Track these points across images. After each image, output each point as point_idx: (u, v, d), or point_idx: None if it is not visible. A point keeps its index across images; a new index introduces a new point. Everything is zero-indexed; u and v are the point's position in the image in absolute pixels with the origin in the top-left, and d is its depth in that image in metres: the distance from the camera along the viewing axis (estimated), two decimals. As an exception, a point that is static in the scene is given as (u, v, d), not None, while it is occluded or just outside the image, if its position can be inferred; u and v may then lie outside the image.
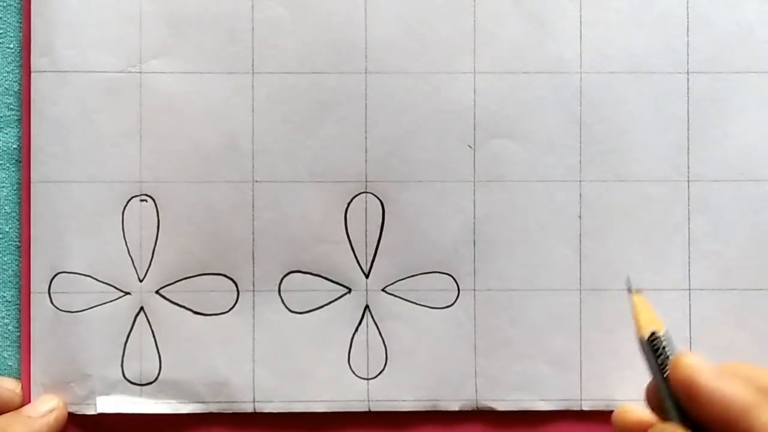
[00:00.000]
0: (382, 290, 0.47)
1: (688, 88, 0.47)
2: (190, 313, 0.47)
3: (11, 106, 0.47)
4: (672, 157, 0.47)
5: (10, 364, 0.47)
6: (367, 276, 0.47)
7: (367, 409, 0.47)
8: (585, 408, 0.47)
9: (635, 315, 0.39)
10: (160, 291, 0.47)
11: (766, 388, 0.36)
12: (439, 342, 0.47)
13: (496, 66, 0.46)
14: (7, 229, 0.47)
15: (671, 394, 0.37)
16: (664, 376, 0.38)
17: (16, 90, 0.47)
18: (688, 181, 0.47)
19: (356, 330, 0.47)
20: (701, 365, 0.37)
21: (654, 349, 0.38)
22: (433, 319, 0.47)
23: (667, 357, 0.38)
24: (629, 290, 0.40)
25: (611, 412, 0.44)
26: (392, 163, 0.46)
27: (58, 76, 0.46)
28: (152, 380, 0.47)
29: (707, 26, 0.47)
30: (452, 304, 0.47)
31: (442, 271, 0.47)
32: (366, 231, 0.47)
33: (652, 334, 0.38)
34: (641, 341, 0.39)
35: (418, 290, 0.47)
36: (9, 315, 0.47)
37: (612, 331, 0.46)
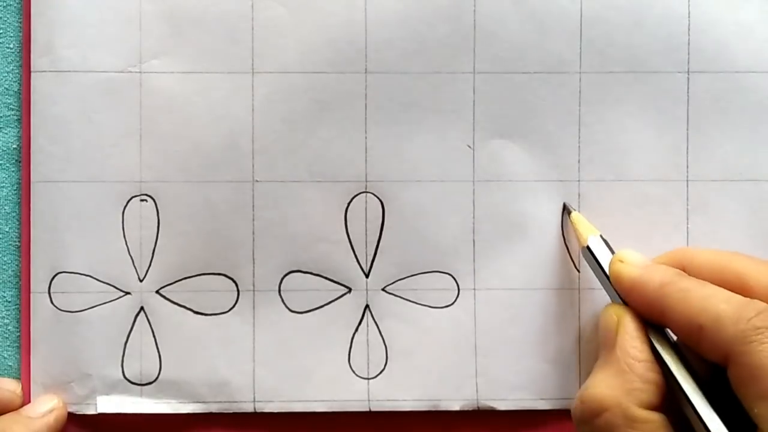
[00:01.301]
0: (382, 290, 0.47)
1: (688, 88, 0.47)
2: (190, 313, 0.47)
3: (11, 106, 0.47)
4: (671, 157, 0.47)
5: (10, 364, 0.47)
6: (367, 276, 0.47)
7: (367, 409, 0.47)
8: (585, 407, 0.47)
9: (575, 228, 0.45)
10: (160, 291, 0.47)
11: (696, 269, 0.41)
12: (439, 342, 0.47)
13: (495, 66, 0.46)
14: (7, 229, 0.47)
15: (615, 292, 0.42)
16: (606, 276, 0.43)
17: (16, 90, 0.47)
18: (687, 180, 0.47)
19: (356, 330, 0.47)
20: (630, 261, 0.42)
21: (593, 253, 0.43)
22: (433, 318, 0.47)
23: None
24: (567, 212, 0.46)
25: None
26: (392, 163, 0.46)
27: (58, 76, 0.46)
28: (152, 380, 0.47)
29: (707, 26, 0.47)
30: (452, 304, 0.47)
31: (442, 271, 0.47)
32: (366, 231, 0.47)
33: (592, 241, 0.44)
34: (583, 249, 0.44)
35: (418, 290, 0.47)
36: (9, 315, 0.47)
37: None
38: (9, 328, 0.47)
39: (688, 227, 0.47)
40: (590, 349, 0.46)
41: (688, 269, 0.41)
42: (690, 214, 0.47)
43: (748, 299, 0.37)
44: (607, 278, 0.43)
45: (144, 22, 0.46)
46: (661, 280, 0.40)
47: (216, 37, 0.46)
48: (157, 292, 0.47)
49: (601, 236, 0.44)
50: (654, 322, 0.40)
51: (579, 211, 0.46)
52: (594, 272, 0.44)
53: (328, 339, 0.47)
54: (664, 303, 0.39)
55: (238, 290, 0.47)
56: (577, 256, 0.47)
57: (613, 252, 0.43)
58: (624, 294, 0.41)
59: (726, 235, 0.47)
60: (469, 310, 0.47)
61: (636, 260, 0.42)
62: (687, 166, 0.47)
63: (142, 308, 0.47)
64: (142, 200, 0.46)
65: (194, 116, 0.46)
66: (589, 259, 0.44)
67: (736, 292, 0.38)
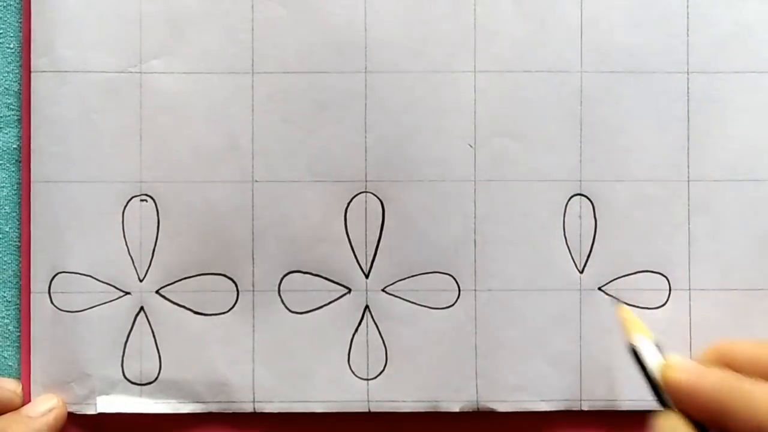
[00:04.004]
0: (382, 290, 0.47)
1: (688, 88, 0.47)
2: (190, 313, 0.47)
3: (11, 106, 0.47)
4: (672, 157, 0.47)
5: (10, 364, 0.47)
6: (367, 276, 0.47)
7: (367, 410, 0.47)
8: (585, 408, 0.47)
9: (623, 324, 0.44)
10: (160, 291, 0.47)
11: (745, 368, 0.40)
12: (439, 342, 0.47)
13: (496, 65, 0.46)
14: (7, 229, 0.47)
15: (664, 397, 0.41)
16: (652, 381, 0.41)
17: (16, 90, 0.47)
18: (688, 181, 0.47)
19: (356, 330, 0.47)
20: (681, 366, 0.40)
21: (641, 356, 0.42)
22: (434, 319, 0.47)
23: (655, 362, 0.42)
24: (614, 303, 0.46)
25: (611, 412, 0.44)
26: (392, 163, 0.46)
27: (58, 76, 0.46)
28: (152, 380, 0.47)
29: (707, 26, 0.47)
30: (453, 305, 0.47)
31: (443, 271, 0.47)
32: (366, 231, 0.47)
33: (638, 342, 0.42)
34: (629, 349, 0.42)
35: (419, 290, 0.47)
36: (9, 315, 0.47)
37: (612, 331, 0.46)
38: (9, 328, 0.47)
39: (689, 227, 0.47)
40: (591, 351, 0.46)
41: (732, 366, 0.41)
42: (691, 215, 0.47)
43: None
44: (650, 381, 0.41)
45: (144, 22, 0.46)
46: (717, 382, 0.39)
47: (216, 37, 0.46)
48: (157, 292, 0.47)
49: (655, 340, 0.42)
50: (711, 426, 0.39)
51: (580, 215, 0.46)
52: (639, 373, 0.42)
53: (327, 339, 0.47)
54: (723, 406, 0.38)
55: (237, 290, 0.47)
56: (578, 256, 0.47)
57: (659, 353, 0.42)
58: (678, 400, 0.40)
59: (727, 236, 0.47)
60: (469, 311, 0.47)
61: (687, 365, 0.41)
62: (688, 166, 0.47)
63: (142, 308, 0.47)
64: (142, 200, 0.46)
65: (194, 116, 0.46)
66: (635, 361, 0.42)
67: None
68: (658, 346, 0.42)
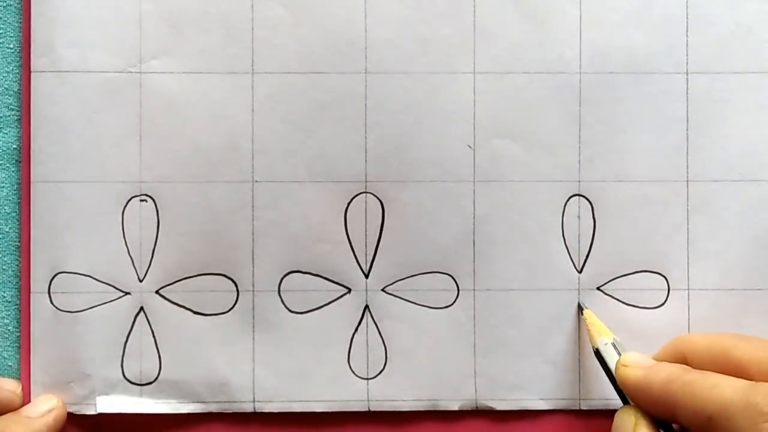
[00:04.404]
0: (382, 290, 0.47)
1: (687, 89, 0.47)
2: (190, 313, 0.47)
3: (11, 106, 0.47)
4: (671, 158, 0.47)
5: (10, 364, 0.47)
6: (366, 276, 0.47)
7: (366, 409, 0.47)
8: (584, 408, 0.47)
9: (588, 328, 0.45)
10: (160, 291, 0.47)
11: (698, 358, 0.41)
12: (438, 342, 0.47)
13: (495, 66, 0.46)
14: (7, 229, 0.47)
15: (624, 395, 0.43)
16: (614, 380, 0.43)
17: (16, 90, 0.47)
18: (687, 181, 0.47)
19: (356, 330, 0.47)
20: (634, 363, 0.42)
21: (603, 357, 0.44)
22: (433, 319, 0.47)
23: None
24: (581, 310, 0.46)
25: (610, 411, 0.44)
26: (392, 163, 0.46)
27: (58, 76, 0.46)
28: (152, 380, 0.47)
29: (707, 26, 0.47)
30: (452, 304, 0.47)
31: (442, 271, 0.47)
32: (366, 231, 0.47)
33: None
34: (594, 351, 0.45)
35: (418, 290, 0.47)
36: (9, 315, 0.47)
37: (611, 331, 0.46)
38: (9, 328, 0.47)
39: (688, 227, 0.47)
40: (590, 350, 0.46)
41: (689, 358, 0.42)
42: (690, 215, 0.47)
43: (752, 383, 0.38)
44: (612, 380, 0.43)
45: (144, 22, 0.46)
46: (665, 377, 0.40)
47: (216, 37, 0.46)
48: (156, 292, 0.47)
49: (613, 340, 0.44)
50: (664, 420, 0.40)
51: (579, 215, 0.46)
52: (606, 374, 0.44)
53: (327, 339, 0.47)
54: (671, 399, 0.39)
55: (237, 290, 0.47)
56: (577, 256, 0.47)
57: (620, 354, 0.44)
58: (631, 397, 0.42)
59: (726, 236, 0.47)
60: (468, 311, 0.47)
61: (639, 362, 0.42)
62: (687, 167, 0.47)
63: (141, 308, 0.47)
64: (142, 200, 0.46)
65: (194, 116, 0.46)
66: (600, 361, 0.44)
67: (739, 377, 0.38)
68: (616, 346, 0.44)
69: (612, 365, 0.43)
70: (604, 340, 0.44)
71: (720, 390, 0.38)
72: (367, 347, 0.47)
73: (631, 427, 0.41)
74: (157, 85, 0.46)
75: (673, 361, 0.42)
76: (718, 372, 0.39)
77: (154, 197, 0.46)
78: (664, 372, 0.40)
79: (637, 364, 0.42)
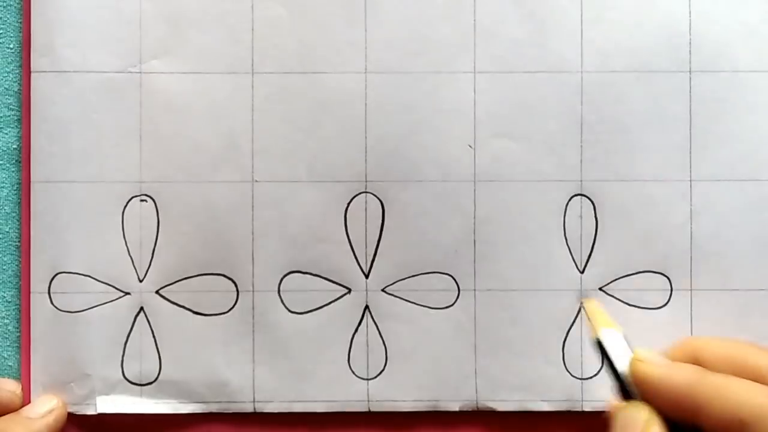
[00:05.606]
0: (382, 290, 0.47)
1: (690, 88, 0.46)
2: (190, 313, 0.47)
3: (11, 106, 0.47)
4: (674, 157, 0.46)
5: (10, 364, 0.47)
6: (367, 276, 0.47)
7: (367, 410, 0.47)
8: (586, 409, 0.47)
9: (589, 318, 0.43)
10: (160, 291, 0.47)
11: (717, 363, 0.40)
12: (439, 342, 0.47)
13: (496, 65, 0.46)
14: (7, 229, 0.47)
15: (629, 390, 0.41)
16: (618, 373, 0.41)
17: (16, 90, 0.47)
18: (691, 180, 0.47)
19: (356, 330, 0.47)
20: (651, 360, 0.40)
21: (603, 349, 0.42)
22: (433, 319, 0.47)
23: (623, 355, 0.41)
24: (582, 304, 0.46)
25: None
26: (392, 163, 0.46)
27: (58, 76, 0.46)
28: (152, 380, 0.47)
29: (709, 25, 0.46)
30: (452, 305, 0.47)
31: (442, 272, 0.47)
32: (366, 231, 0.47)
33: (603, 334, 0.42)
34: (595, 342, 0.42)
35: (418, 290, 0.47)
36: (9, 315, 0.47)
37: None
38: (9, 328, 0.47)
39: (691, 228, 0.47)
40: (592, 351, 0.46)
41: (703, 361, 0.41)
42: (694, 214, 0.47)
43: None
44: (615, 374, 0.41)
45: (144, 22, 0.46)
46: (689, 377, 0.39)
47: (216, 37, 0.46)
48: (156, 292, 0.47)
49: (618, 331, 0.42)
50: (682, 420, 0.39)
51: (581, 215, 0.46)
52: (605, 368, 0.42)
53: (327, 339, 0.47)
54: (697, 401, 0.38)
55: (237, 291, 0.47)
56: (579, 256, 0.46)
57: (626, 349, 0.42)
58: (648, 393, 0.40)
59: (729, 236, 0.46)
60: (469, 311, 0.47)
61: (656, 359, 0.41)
62: (690, 166, 0.46)
63: (141, 308, 0.47)
64: (142, 200, 0.46)
65: (194, 116, 0.46)
66: (600, 353, 0.42)
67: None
68: (626, 340, 0.42)
69: (616, 358, 0.41)
70: (610, 331, 0.42)
71: (754, 394, 0.37)
72: (368, 347, 0.47)
73: (642, 424, 0.40)
74: (157, 85, 0.46)
75: (684, 362, 0.41)
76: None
77: (154, 197, 0.46)
78: (686, 371, 0.39)
79: (656, 361, 0.41)
